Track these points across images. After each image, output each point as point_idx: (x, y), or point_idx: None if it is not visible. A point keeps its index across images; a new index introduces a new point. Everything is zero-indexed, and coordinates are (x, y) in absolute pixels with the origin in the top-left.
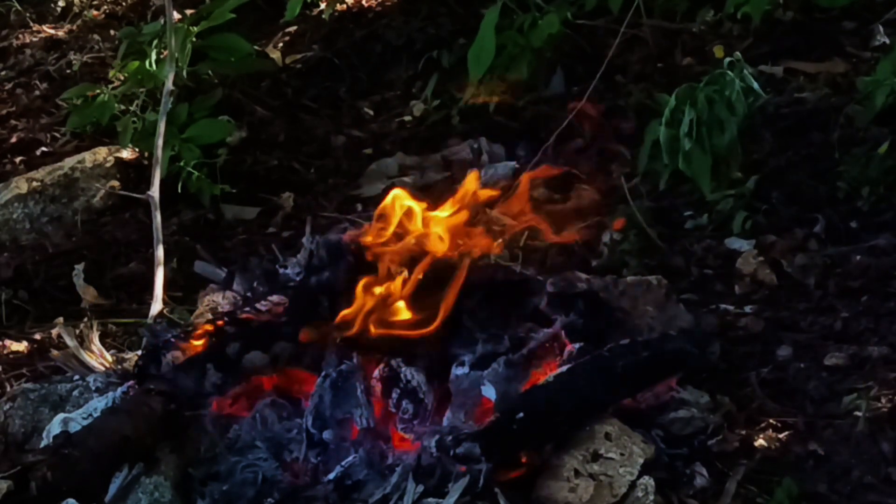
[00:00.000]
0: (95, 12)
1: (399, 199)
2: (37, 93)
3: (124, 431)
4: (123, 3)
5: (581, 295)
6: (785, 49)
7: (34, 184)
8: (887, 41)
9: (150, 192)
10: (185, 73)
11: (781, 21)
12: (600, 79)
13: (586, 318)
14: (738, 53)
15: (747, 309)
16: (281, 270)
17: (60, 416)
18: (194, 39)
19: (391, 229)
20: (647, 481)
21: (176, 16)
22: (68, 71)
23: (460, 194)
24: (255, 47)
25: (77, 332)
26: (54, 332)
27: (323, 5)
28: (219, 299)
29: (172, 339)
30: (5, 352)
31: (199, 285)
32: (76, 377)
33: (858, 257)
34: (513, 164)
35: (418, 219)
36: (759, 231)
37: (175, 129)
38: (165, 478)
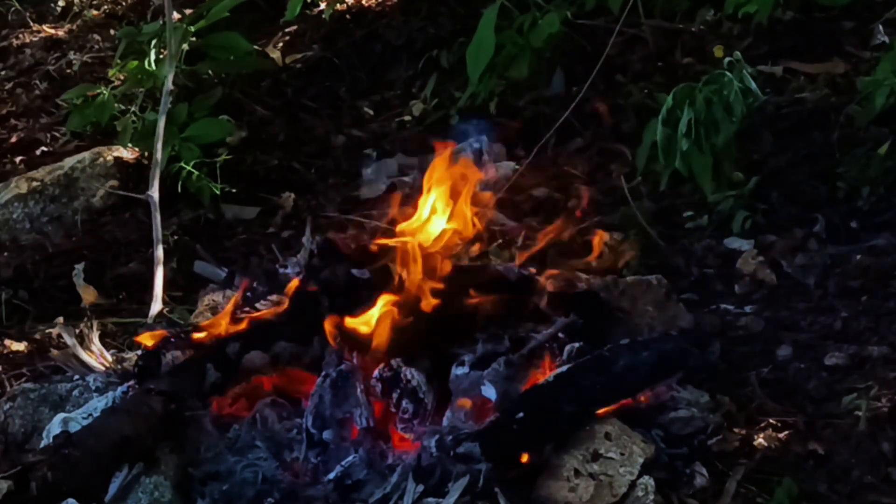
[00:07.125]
0: (95, 12)
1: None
2: (37, 93)
3: (124, 431)
4: (123, 3)
5: (581, 295)
6: (785, 49)
7: (34, 184)
8: (887, 41)
9: (149, 192)
10: (179, 69)
11: (781, 21)
12: (600, 78)
13: (586, 318)
14: (737, 53)
15: (747, 309)
16: (281, 270)
17: (60, 416)
18: (193, 39)
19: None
20: (647, 481)
21: (175, 15)
22: (68, 71)
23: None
24: (255, 47)
25: (77, 331)
26: (54, 331)
27: (323, 5)
28: (219, 299)
29: (172, 339)
30: (5, 352)
31: (199, 285)
32: (76, 377)
33: (858, 257)
34: (513, 164)
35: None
36: (759, 231)
37: (175, 129)
38: (165, 478)
